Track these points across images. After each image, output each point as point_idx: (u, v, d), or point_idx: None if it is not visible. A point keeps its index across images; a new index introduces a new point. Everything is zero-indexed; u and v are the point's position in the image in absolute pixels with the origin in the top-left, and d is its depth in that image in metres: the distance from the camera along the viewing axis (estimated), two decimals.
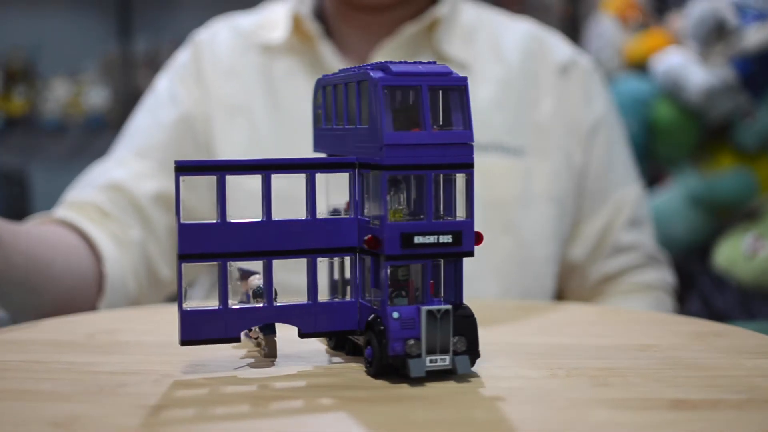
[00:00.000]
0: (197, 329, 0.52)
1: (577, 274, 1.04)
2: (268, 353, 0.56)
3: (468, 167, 0.51)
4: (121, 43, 3.06)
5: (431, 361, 0.50)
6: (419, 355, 0.50)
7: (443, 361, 0.50)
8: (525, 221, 0.98)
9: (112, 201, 0.93)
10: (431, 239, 0.50)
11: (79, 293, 0.84)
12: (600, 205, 1.03)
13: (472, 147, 0.51)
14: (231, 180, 0.52)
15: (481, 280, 0.95)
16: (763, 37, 1.65)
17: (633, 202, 1.05)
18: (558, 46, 1.06)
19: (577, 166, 1.02)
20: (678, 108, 1.77)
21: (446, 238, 0.51)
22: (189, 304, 0.52)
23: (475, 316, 0.52)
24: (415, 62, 0.52)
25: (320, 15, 1.04)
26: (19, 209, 2.83)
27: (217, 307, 0.52)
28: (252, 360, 0.56)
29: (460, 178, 0.52)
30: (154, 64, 2.80)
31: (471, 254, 0.51)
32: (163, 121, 1.01)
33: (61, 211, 0.91)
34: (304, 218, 0.53)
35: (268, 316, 0.53)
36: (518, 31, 1.06)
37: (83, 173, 1.00)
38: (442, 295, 0.53)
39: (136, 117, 1.04)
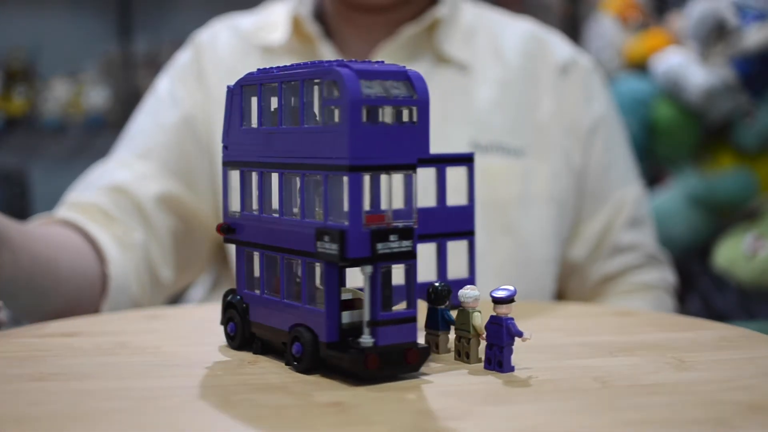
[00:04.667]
0: None
1: (577, 275, 1.04)
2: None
3: None
4: (121, 43, 3.05)
5: None
6: None
7: None
8: (525, 222, 0.98)
9: (115, 203, 0.93)
10: None
11: (84, 295, 0.84)
12: (600, 205, 1.03)
13: None
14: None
15: (480, 280, 0.94)
16: (763, 37, 1.65)
17: (633, 202, 1.05)
18: (558, 45, 1.06)
19: (576, 166, 1.02)
20: (678, 108, 1.77)
21: None
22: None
23: None
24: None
25: (320, 16, 1.04)
26: (19, 209, 2.82)
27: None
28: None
29: None
30: (154, 64, 2.80)
31: None
32: (164, 123, 1.00)
33: (65, 211, 0.91)
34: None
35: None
36: (518, 31, 1.06)
37: (83, 173, 1.00)
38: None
39: (138, 118, 1.03)
